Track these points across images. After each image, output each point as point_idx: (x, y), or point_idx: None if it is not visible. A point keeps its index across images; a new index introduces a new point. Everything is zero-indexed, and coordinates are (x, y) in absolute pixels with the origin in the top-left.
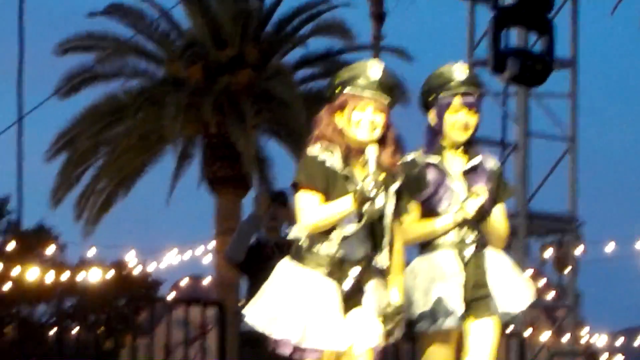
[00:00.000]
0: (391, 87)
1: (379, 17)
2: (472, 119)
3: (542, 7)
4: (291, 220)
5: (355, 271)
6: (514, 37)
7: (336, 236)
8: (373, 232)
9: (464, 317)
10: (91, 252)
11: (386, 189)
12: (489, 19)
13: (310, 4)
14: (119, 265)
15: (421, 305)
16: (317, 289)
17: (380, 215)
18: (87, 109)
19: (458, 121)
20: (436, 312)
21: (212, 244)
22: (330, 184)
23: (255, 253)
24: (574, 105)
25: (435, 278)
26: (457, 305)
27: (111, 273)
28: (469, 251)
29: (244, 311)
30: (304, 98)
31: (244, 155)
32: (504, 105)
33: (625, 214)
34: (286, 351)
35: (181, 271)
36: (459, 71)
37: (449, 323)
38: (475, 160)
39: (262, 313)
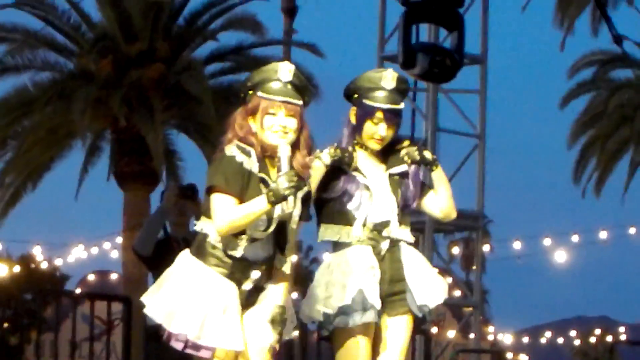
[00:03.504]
0: (303, 89)
1: (290, 12)
2: (389, 132)
3: (452, 3)
4: (199, 215)
5: (256, 274)
6: (424, 32)
7: (244, 239)
8: (276, 234)
9: (380, 312)
10: None
11: (296, 192)
12: (400, 14)
13: None
14: (26, 260)
15: (339, 300)
16: (216, 288)
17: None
18: None
19: (376, 133)
20: (355, 305)
21: (120, 239)
22: (245, 186)
23: (163, 248)
24: (483, 101)
25: (352, 272)
26: (375, 299)
27: (18, 268)
28: (384, 246)
29: (142, 299)
30: (214, 93)
31: (153, 150)
32: (413, 101)
33: (531, 212)
34: (179, 346)
35: (89, 266)
36: (386, 79)
37: (368, 317)
38: (402, 167)
39: (160, 305)
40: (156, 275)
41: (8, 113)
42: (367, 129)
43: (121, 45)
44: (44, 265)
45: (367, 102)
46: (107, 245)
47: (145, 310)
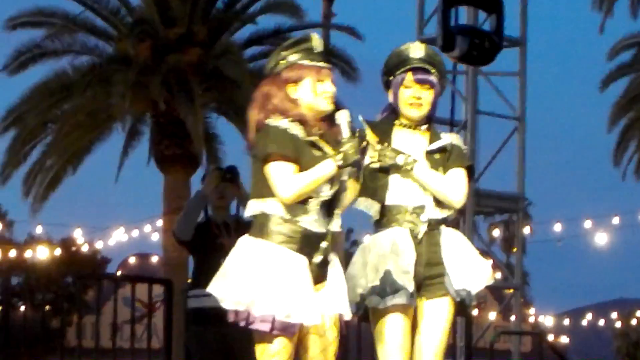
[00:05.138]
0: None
1: None
2: (425, 93)
3: None
4: (240, 198)
5: (324, 244)
6: (463, 15)
7: (313, 205)
8: (328, 206)
9: (417, 296)
10: (39, 230)
11: (363, 156)
12: None
13: None
14: (67, 243)
15: (371, 280)
16: (290, 264)
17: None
18: (35, 86)
19: (410, 97)
20: (384, 287)
21: (160, 222)
22: (299, 152)
23: (203, 231)
24: (523, 84)
25: (386, 254)
26: (406, 281)
27: (59, 251)
28: (422, 229)
29: (209, 290)
30: (253, 76)
31: (193, 134)
32: (452, 84)
33: (572, 194)
34: (265, 327)
35: (130, 249)
36: (414, 49)
37: (397, 299)
38: (441, 142)
39: (235, 291)
40: (196, 259)
41: (48, 97)
42: (401, 96)
43: (160, 30)
44: (85, 249)
45: (398, 72)
46: (147, 228)
47: (220, 301)
